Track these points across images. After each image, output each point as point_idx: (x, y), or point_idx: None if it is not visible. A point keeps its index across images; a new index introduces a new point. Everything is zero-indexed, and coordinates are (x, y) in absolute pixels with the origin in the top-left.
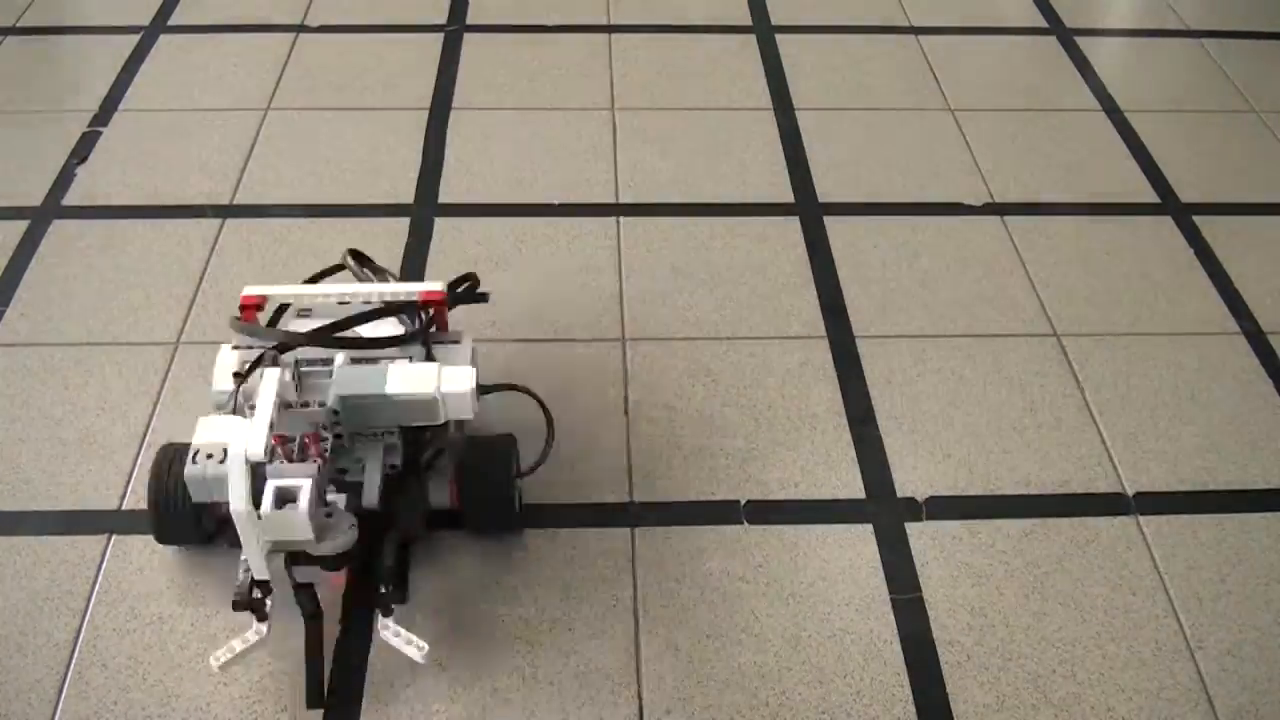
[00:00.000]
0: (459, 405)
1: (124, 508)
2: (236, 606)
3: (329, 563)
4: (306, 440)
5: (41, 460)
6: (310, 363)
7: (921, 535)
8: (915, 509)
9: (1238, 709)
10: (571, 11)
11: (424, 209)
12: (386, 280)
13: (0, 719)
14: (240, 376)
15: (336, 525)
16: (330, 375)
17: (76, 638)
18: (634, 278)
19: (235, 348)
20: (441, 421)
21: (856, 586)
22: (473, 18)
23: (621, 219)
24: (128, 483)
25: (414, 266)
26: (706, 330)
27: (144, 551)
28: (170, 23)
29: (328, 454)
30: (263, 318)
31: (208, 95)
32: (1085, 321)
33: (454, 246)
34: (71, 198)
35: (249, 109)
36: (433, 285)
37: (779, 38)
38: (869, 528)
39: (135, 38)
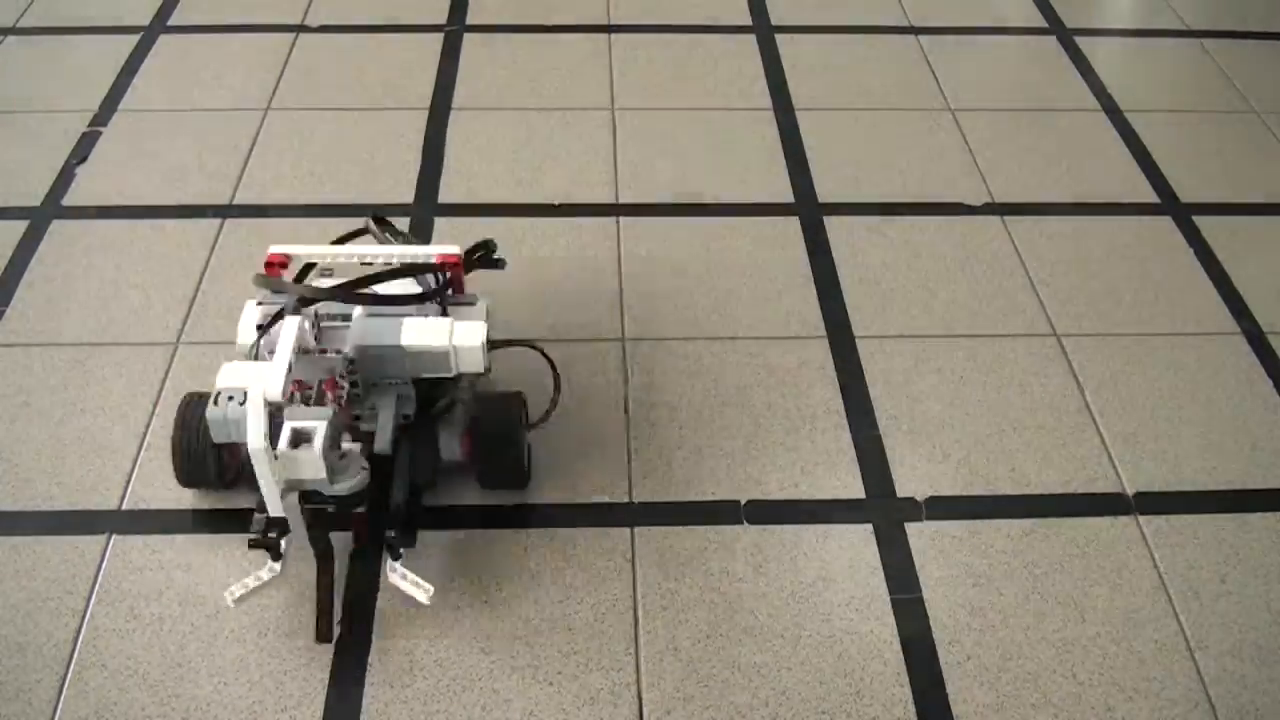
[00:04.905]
0: (470, 359)
1: (124, 508)
2: (253, 545)
3: (342, 503)
4: (324, 386)
5: (41, 460)
6: (330, 316)
7: (921, 535)
8: (915, 509)
9: (1238, 709)
10: (571, 11)
11: (424, 209)
12: (408, 244)
13: (0, 719)
14: (263, 328)
15: (349, 467)
16: (348, 327)
17: (76, 638)
18: (634, 278)
19: (259, 303)
20: (454, 374)
21: (856, 586)
22: (473, 18)
23: (621, 219)
24: (128, 483)
25: None
26: (706, 330)
27: (144, 551)
28: (170, 23)
29: (344, 401)
30: (287, 277)
31: (208, 95)
32: (1085, 321)
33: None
34: (71, 198)
35: (249, 109)
36: (449, 249)
37: (779, 38)
38: (869, 528)
39: (135, 38)
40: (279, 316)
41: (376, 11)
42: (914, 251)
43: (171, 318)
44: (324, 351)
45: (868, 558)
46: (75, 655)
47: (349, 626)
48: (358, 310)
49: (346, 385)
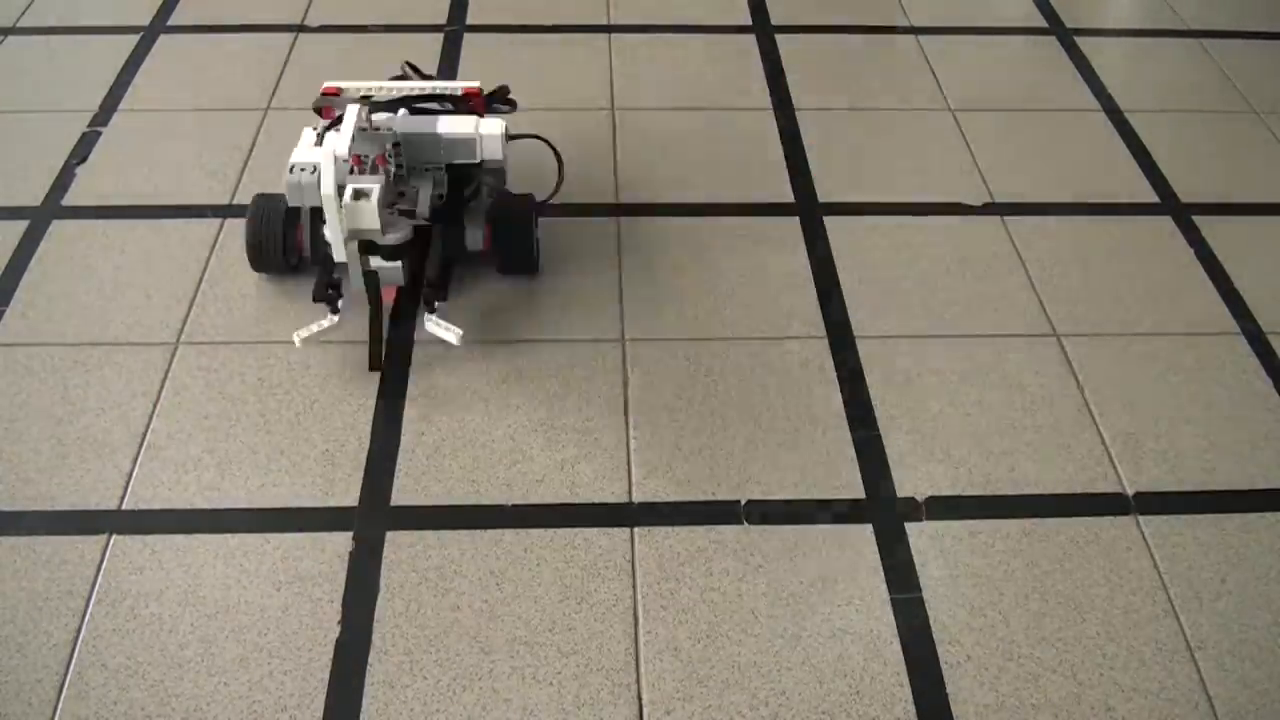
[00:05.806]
0: (492, 146)
1: (124, 508)
2: (316, 298)
3: (390, 253)
4: (377, 160)
5: (41, 460)
6: (379, 107)
7: (921, 535)
8: (915, 509)
9: (1238, 709)
10: (571, 11)
11: None
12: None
13: (0, 719)
14: (329, 126)
15: (397, 223)
16: (395, 117)
17: (76, 638)
18: (634, 277)
19: (315, 128)
20: (479, 160)
21: (856, 586)
22: (473, 18)
23: (621, 220)
24: (127, 483)
25: None
26: (706, 330)
27: (144, 551)
28: (170, 23)
29: (391, 174)
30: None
31: (208, 95)
32: (1085, 321)
33: None
34: (71, 198)
35: (249, 109)
36: (472, 84)
37: (779, 38)
38: (869, 528)
39: (135, 38)
40: (337, 121)
41: (376, 11)
42: (914, 251)
43: (171, 318)
44: (377, 129)
45: (868, 558)
46: (75, 655)
47: (348, 621)
48: (402, 111)
49: (393, 164)
